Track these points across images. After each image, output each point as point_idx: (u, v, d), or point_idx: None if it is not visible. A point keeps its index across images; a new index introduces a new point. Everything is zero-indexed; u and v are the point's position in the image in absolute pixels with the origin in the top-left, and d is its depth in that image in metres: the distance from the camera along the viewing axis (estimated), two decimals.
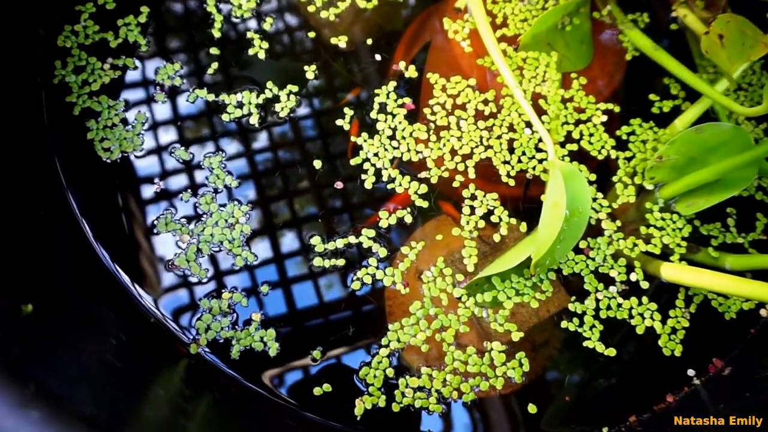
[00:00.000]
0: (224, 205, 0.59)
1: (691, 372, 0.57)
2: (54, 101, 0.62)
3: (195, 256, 0.57)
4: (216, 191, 0.60)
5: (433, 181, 0.61)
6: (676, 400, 0.56)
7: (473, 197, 0.61)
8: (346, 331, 0.56)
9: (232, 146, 0.62)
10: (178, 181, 0.60)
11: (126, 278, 0.57)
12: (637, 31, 0.67)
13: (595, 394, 0.57)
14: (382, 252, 0.58)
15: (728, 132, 0.57)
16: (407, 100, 0.64)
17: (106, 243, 0.58)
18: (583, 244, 0.60)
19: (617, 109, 0.66)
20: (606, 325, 0.58)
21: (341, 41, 0.67)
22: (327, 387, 0.55)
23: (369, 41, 0.67)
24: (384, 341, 0.56)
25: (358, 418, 0.54)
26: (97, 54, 0.63)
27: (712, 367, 0.58)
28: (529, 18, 0.68)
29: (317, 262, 0.58)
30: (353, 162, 0.62)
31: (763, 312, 0.59)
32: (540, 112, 0.64)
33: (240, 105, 0.63)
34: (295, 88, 0.64)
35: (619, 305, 0.58)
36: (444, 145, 0.63)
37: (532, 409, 0.55)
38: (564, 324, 0.57)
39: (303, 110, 0.64)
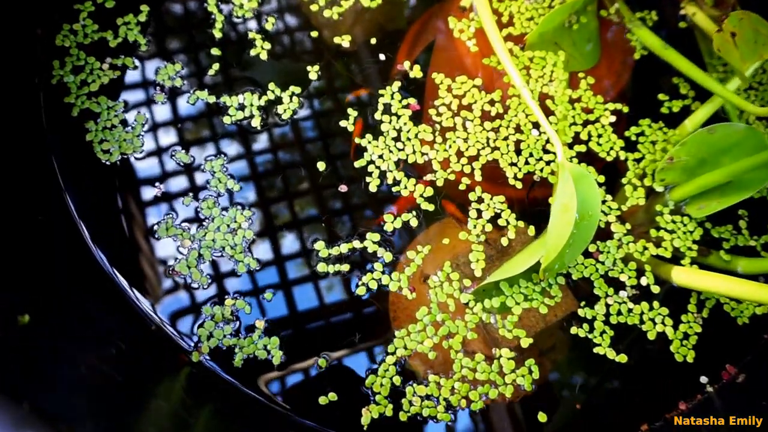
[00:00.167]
0: (226, 210, 0.58)
1: (704, 379, 0.56)
2: (52, 102, 0.61)
3: (196, 262, 0.56)
4: (218, 195, 0.59)
5: (439, 183, 0.60)
6: (689, 407, 0.55)
7: (480, 200, 0.60)
8: (352, 338, 0.55)
9: (233, 149, 0.61)
10: (179, 184, 0.59)
11: (125, 283, 0.56)
12: (646, 29, 0.66)
13: (605, 402, 0.56)
14: (388, 256, 0.57)
15: (741, 132, 0.57)
16: (412, 101, 0.63)
17: (104, 246, 0.57)
18: (592, 248, 0.58)
19: (626, 109, 0.64)
20: (616, 331, 0.56)
21: (344, 41, 0.65)
22: (333, 396, 0.53)
23: (372, 41, 0.66)
24: (390, 348, 0.54)
25: (365, 428, 0.53)
26: (96, 54, 0.62)
27: (725, 374, 0.56)
28: (536, 16, 0.67)
29: (321, 267, 0.57)
30: (357, 164, 0.60)
31: None
32: (547, 112, 0.63)
33: (242, 107, 0.62)
34: (297, 89, 0.63)
35: (630, 310, 0.57)
36: (450, 146, 0.61)
37: (542, 417, 0.54)
38: (574, 330, 0.56)
39: (305, 112, 0.63)
